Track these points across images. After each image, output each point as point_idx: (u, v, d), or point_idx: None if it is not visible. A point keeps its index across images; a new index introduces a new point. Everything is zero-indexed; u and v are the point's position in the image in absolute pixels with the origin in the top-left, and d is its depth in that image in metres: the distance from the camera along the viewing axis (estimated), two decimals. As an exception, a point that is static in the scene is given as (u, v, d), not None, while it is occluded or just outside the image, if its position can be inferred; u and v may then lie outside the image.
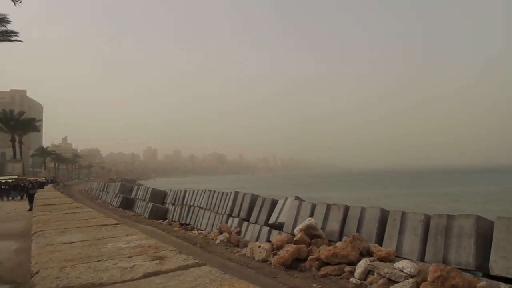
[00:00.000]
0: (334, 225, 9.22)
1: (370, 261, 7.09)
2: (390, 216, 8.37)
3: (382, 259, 7.37)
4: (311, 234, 8.79)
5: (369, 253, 7.78)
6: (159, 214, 20.13)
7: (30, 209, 17.79)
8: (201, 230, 15.01)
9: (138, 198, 25.17)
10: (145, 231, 10.30)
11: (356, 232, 8.44)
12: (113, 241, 2.67)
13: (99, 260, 2.07)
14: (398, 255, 7.63)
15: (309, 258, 7.98)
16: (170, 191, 22.08)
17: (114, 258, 2.12)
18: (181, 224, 17.17)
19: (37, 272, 1.89)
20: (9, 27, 26.50)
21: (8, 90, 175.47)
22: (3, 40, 26.77)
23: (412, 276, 6.40)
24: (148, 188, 25.12)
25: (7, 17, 26.13)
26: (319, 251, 7.92)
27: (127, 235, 2.93)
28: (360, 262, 7.19)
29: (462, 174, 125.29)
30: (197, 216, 16.53)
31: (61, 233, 3.26)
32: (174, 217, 18.77)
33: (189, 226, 16.53)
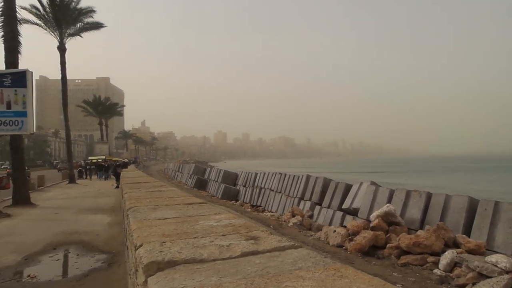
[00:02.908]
0: (414, 212, 8.69)
1: (458, 253, 6.56)
2: (480, 205, 7.65)
3: (471, 252, 6.79)
4: (389, 221, 8.39)
5: (455, 244, 7.22)
6: (231, 195, 20.79)
7: (117, 187, 19.47)
8: (272, 212, 15.19)
9: (211, 179, 26.20)
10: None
11: (440, 221, 7.86)
12: (203, 219, 2.72)
13: (195, 237, 2.10)
14: (489, 249, 6.97)
15: (387, 245, 7.63)
16: (241, 173, 22.62)
17: (209, 235, 2.14)
18: (252, 206, 17.55)
19: (141, 245, 1.96)
20: (95, 17, 28.70)
21: (94, 78, 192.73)
22: (91, 29, 29.03)
23: (507, 272, 5.81)
24: (220, 170, 25.99)
25: (93, 8, 28.18)
26: (399, 239, 7.53)
27: (215, 213, 2.98)
28: (446, 253, 6.70)
29: None
30: (268, 198, 16.74)
31: (153, 209, 3.42)
32: (245, 198, 19.24)
33: (260, 207, 16.83)
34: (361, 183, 11.05)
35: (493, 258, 6.07)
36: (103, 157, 45.01)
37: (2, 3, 14.59)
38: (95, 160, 39.42)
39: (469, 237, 7.36)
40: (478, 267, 6.05)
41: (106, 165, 32.29)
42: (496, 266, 5.92)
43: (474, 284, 5.94)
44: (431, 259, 6.91)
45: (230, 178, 23.41)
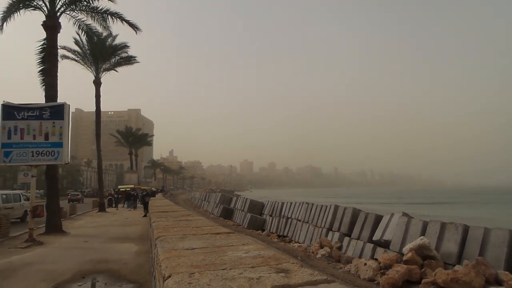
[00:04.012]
0: (450, 246, 8.24)
1: (501, 291, 6.12)
2: (523, 239, 7.17)
3: (515, 290, 6.31)
4: (423, 254, 7.98)
5: (497, 282, 6.73)
6: (257, 224, 20.52)
7: (145, 215, 19.69)
8: (299, 242, 14.83)
9: (237, 208, 26.05)
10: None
11: (479, 256, 7.40)
12: (232, 250, 2.68)
13: (224, 269, 2.06)
14: (535, 287, 6.46)
15: (423, 281, 7.22)
16: (268, 202, 22.39)
17: (238, 267, 2.10)
18: (279, 236, 17.22)
19: (169, 276, 1.94)
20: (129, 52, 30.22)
21: (126, 110, 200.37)
22: (125, 64, 30.51)
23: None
24: (246, 199, 25.85)
25: (127, 44, 29.71)
26: (435, 274, 7.11)
27: (243, 244, 2.93)
28: (488, 291, 6.26)
29: None
30: (295, 228, 16.40)
31: (181, 239, 3.41)
32: (271, 228, 18.93)
33: (287, 238, 16.48)
34: (392, 214, 10.66)
35: (541, 297, 5.61)
36: (132, 186, 45.90)
37: (45, 41, 15.65)
38: (124, 189, 40.19)
39: (512, 274, 6.87)
40: (524, 307, 5.60)
41: (135, 194, 32.62)
42: (545, 306, 5.46)
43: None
44: (471, 296, 6.46)
45: (256, 208, 23.18)
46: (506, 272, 6.92)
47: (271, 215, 20.16)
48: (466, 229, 8.22)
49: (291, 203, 18.22)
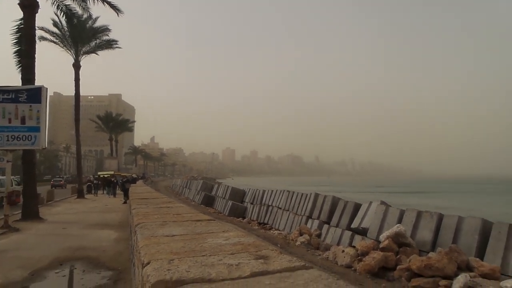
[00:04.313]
0: (425, 234, 8.50)
1: (471, 277, 6.37)
2: (494, 228, 7.46)
3: (485, 276, 6.59)
4: (399, 242, 8.21)
5: (468, 268, 7.01)
6: (238, 212, 20.63)
7: (125, 202, 19.50)
8: (279, 230, 15.01)
9: (218, 196, 26.08)
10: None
11: (452, 243, 7.68)
12: (212, 237, 2.69)
13: (204, 255, 2.07)
14: (503, 273, 6.76)
15: (398, 267, 7.45)
16: (249, 190, 22.50)
17: (217, 254, 2.11)
18: (259, 223, 17.38)
19: (148, 263, 1.94)
20: (110, 35, 29.42)
21: (107, 94, 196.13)
22: (106, 48, 29.73)
23: (523, 298, 5.62)
24: (228, 186, 25.89)
25: (108, 27, 28.91)
26: (410, 261, 7.34)
27: (223, 231, 2.95)
28: (459, 276, 6.50)
29: None
30: (275, 216, 16.57)
31: (161, 226, 3.40)
32: (252, 215, 19.08)
33: (267, 225, 16.65)
34: (370, 203, 10.90)
35: (508, 283, 5.88)
36: (112, 173, 45.26)
37: (22, 21, 15.05)
38: (104, 176, 39.62)
39: (482, 261, 7.16)
40: (492, 292, 5.86)
41: (115, 181, 32.17)
42: (511, 291, 5.73)
43: (488, 310, 5.75)
44: (443, 282, 6.70)
45: (238, 195, 23.27)
46: (477, 258, 7.21)
47: (252, 203, 20.29)
48: (440, 218, 8.50)
49: (272, 191, 18.35)
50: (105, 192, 31.50)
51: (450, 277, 6.78)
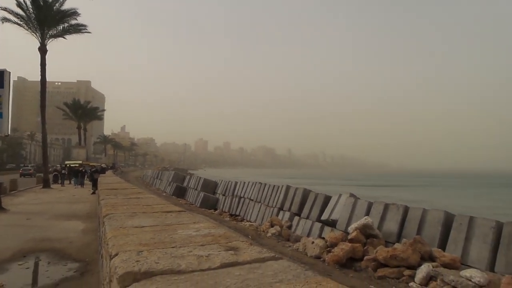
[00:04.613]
0: (392, 225, 8.81)
1: (433, 267, 6.67)
2: (455, 220, 7.82)
3: (446, 266, 6.91)
4: (367, 233, 8.47)
5: (431, 258, 7.33)
6: (210, 203, 20.58)
7: (93, 193, 19.00)
8: (251, 221, 15.11)
9: (190, 187, 25.90)
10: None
11: (417, 234, 7.99)
12: (182, 228, 2.66)
13: (174, 247, 2.05)
14: (463, 263, 7.12)
15: (365, 258, 7.69)
16: (221, 182, 22.47)
17: (187, 245, 2.09)
18: (231, 215, 17.42)
19: (116, 254, 1.90)
20: (80, 20, 28.23)
21: (75, 81, 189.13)
22: (74, 32, 28.57)
23: (481, 287, 5.93)
24: (200, 178, 25.74)
25: (77, 10, 27.74)
26: (376, 251, 7.60)
27: (194, 222, 2.93)
28: (422, 266, 6.79)
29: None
30: (247, 207, 16.66)
31: (130, 217, 3.33)
32: (224, 207, 19.09)
33: (239, 217, 16.72)
34: (340, 195, 11.15)
35: (467, 272, 6.19)
36: (80, 162, 43.96)
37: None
38: (71, 165, 38.41)
39: (444, 251, 7.50)
40: (453, 281, 6.15)
41: (83, 170, 31.23)
42: (470, 280, 6.03)
43: (448, 297, 6.03)
44: (407, 272, 6.99)
45: (210, 187, 23.20)
46: (439, 249, 7.54)
47: (224, 195, 20.28)
48: (406, 210, 8.82)
49: (244, 182, 18.41)
50: (72, 182, 30.54)
51: (414, 267, 7.08)
